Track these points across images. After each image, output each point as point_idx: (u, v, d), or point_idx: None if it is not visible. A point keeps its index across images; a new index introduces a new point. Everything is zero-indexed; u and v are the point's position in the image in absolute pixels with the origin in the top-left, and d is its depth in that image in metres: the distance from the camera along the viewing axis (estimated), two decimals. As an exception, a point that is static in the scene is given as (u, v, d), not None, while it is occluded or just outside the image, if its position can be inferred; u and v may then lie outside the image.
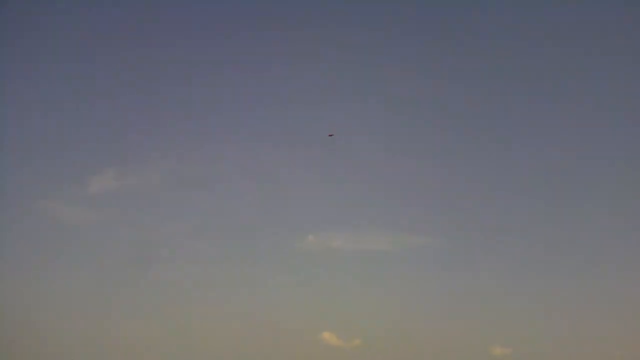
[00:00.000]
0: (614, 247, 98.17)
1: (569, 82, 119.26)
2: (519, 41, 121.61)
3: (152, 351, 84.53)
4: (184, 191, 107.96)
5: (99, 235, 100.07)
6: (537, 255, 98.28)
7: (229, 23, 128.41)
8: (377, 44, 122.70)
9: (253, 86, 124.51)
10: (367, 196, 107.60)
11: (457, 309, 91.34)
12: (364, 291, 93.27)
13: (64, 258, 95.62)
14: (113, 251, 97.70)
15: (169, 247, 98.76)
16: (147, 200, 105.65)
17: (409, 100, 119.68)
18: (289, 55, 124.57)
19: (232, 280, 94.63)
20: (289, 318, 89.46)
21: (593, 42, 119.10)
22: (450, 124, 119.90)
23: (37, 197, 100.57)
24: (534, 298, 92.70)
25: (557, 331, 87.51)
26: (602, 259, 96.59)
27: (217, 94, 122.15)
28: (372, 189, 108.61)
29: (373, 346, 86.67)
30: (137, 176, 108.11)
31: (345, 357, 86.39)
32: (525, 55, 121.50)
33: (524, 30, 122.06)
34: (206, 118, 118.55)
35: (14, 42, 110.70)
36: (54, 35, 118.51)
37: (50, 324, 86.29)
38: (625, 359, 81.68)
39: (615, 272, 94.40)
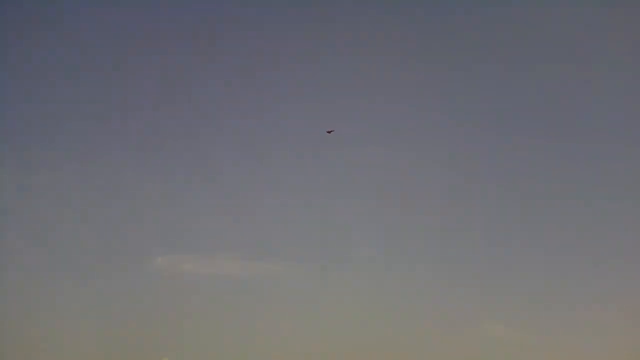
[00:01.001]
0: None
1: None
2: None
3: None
4: (21, 201, 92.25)
5: None
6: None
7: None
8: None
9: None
10: (225, 219, 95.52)
11: (308, 337, 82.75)
12: (210, 317, 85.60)
13: None
14: None
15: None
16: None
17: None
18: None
19: (67, 305, 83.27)
20: (127, 344, 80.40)
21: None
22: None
23: None
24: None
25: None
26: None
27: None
28: (232, 211, 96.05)
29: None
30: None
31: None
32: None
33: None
34: (44, 123, 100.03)
35: None
36: None
37: None
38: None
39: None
